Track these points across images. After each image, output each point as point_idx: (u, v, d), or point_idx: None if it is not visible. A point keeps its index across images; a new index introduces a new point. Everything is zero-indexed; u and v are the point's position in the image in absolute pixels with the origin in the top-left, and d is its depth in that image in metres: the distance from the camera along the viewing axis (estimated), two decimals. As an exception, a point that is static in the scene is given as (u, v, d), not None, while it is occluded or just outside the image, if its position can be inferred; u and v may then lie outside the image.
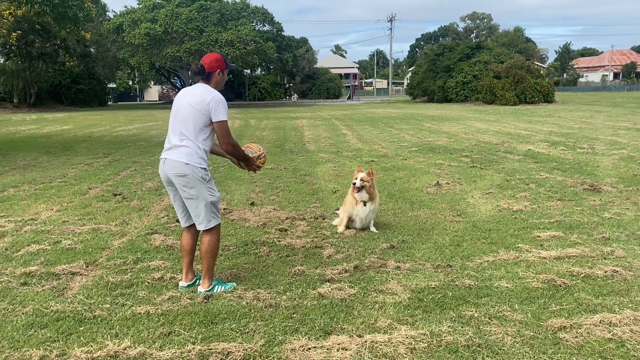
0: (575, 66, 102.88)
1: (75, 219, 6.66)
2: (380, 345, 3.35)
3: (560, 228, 6.01)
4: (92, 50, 50.89)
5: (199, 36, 48.04)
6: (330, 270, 4.73)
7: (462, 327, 3.59)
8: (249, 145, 4.65)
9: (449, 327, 3.59)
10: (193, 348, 3.33)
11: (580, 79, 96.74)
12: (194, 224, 4.30)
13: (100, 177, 9.78)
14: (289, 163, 11.44)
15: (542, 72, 47.74)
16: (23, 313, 3.87)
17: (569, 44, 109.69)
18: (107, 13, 53.08)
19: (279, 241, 5.66)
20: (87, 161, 12.05)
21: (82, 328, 3.63)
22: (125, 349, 3.31)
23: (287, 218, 6.64)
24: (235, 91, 64.23)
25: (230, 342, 3.42)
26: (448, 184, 8.68)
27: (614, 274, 4.53)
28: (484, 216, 6.62)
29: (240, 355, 3.27)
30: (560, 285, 4.30)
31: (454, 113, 30.08)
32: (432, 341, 3.40)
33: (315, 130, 20.08)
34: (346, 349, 3.31)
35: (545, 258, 4.99)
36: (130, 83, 75.86)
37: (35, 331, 3.59)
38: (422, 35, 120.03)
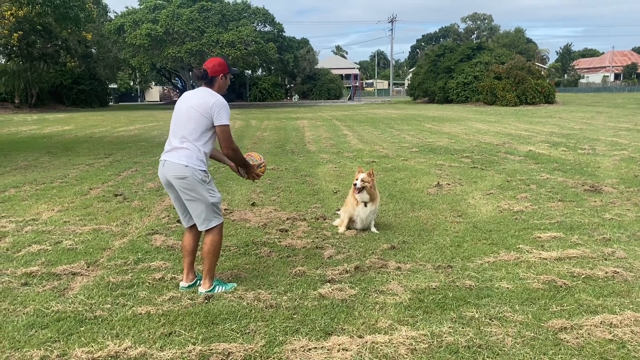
0: (576, 67, 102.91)
1: (76, 219, 6.67)
2: (381, 346, 3.35)
3: (561, 229, 6.01)
4: (93, 50, 50.91)
5: (200, 37, 48.07)
6: (331, 270, 4.73)
7: (462, 328, 3.59)
8: (250, 153, 4.65)
9: (449, 327, 3.59)
10: (194, 348, 3.33)
11: (581, 80, 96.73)
12: (195, 225, 4.30)
13: (101, 178, 9.79)
14: (289, 164, 11.45)
15: (543, 73, 47.69)
16: (24, 313, 3.88)
17: (570, 45, 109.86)
18: (108, 14, 53.16)
19: (279, 242, 5.66)
20: (88, 162, 12.06)
21: (83, 328, 3.63)
22: (125, 349, 3.32)
23: (287, 219, 6.65)
24: (236, 92, 64.25)
25: (230, 342, 3.42)
26: (449, 184, 8.68)
27: (615, 275, 4.53)
28: (485, 217, 6.62)
29: (240, 355, 3.27)
30: (560, 286, 4.30)
31: (454, 114, 30.08)
32: (432, 342, 3.41)
33: (316, 131, 20.08)
34: (347, 350, 3.31)
35: (546, 259, 4.98)
36: (132, 84, 75.93)
37: (36, 331, 3.59)
38: (422, 36, 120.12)
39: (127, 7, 52.62)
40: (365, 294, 4.21)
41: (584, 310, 3.86)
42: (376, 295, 4.18)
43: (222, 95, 4.21)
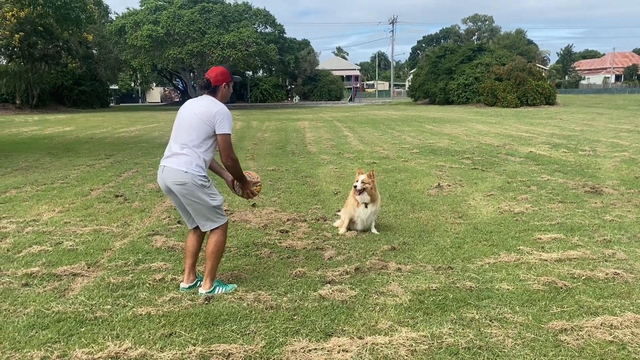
0: (577, 68, 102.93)
1: (76, 220, 6.67)
2: (381, 347, 3.36)
3: (561, 230, 6.01)
4: (94, 51, 50.96)
5: (201, 38, 48.10)
6: (331, 272, 4.73)
7: (463, 329, 3.59)
8: (248, 172, 4.66)
9: (449, 329, 3.59)
10: (194, 349, 3.33)
11: (582, 81, 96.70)
12: (199, 228, 4.32)
13: (102, 179, 9.80)
14: (290, 165, 11.45)
15: (543, 74, 47.66)
16: (24, 314, 3.88)
17: (571, 46, 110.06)
18: (109, 15, 53.18)
19: (280, 243, 5.66)
20: (89, 162, 12.08)
21: (83, 329, 3.64)
22: (126, 350, 3.32)
23: (288, 219, 6.65)
24: (237, 93, 64.24)
25: (231, 343, 3.42)
26: (449, 186, 8.68)
27: (615, 276, 4.53)
28: (485, 218, 6.62)
29: (241, 356, 3.27)
30: (561, 288, 4.30)
31: (455, 115, 30.08)
32: (432, 343, 3.41)
33: (317, 132, 20.09)
34: (347, 351, 3.31)
35: (546, 260, 4.98)
36: (132, 85, 76.01)
37: (36, 332, 3.60)
38: (423, 37, 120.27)
39: (128, 8, 52.66)
40: (365, 295, 4.21)
41: (585, 311, 3.86)
42: (376, 296, 4.18)
43: (224, 102, 4.24)
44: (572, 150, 13.14)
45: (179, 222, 6.48)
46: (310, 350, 3.33)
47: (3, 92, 43.08)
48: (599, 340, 3.43)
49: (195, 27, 47.98)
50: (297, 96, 66.65)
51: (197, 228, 4.37)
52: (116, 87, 69.58)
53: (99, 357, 3.25)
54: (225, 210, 6.99)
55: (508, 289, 4.28)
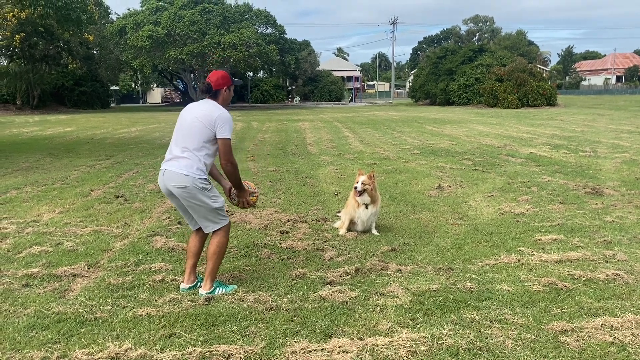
0: (577, 69, 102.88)
1: (77, 220, 6.67)
2: (381, 348, 3.35)
3: (562, 231, 6.01)
4: (95, 52, 51.01)
5: (202, 39, 48.11)
6: (331, 272, 4.73)
7: (463, 330, 3.58)
8: (247, 182, 4.66)
9: (450, 330, 3.59)
10: (194, 350, 3.33)
11: (583, 82, 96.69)
12: (202, 229, 4.33)
13: (102, 179, 9.81)
14: (290, 165, 11.45)
15: (544, 75, 47.70)
16: (24, 314, 3.88)
17: (572, 47, 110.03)
18: (110, 15, 53.24)
19: (280, 244, 5.66)
20: (90, 163, 12.08)
21: (83, 330, 3.64)
22: (126, 351, 3.32)
23: (288, 220, 6.65)
24: (238, 94, 64.20)
25: (231, 344, 3.42)
26: (450, 186, 8.68)
27: (616, 277, 4.53)
28: (486, 219, 6.61)
29: (241, 357, 3.27)
30: (561, 289, 4.29)
31: (456, 116, 30.08)
32: (433, 344, 3.40)
33: (317, 133, 20.09)
34: (347, 352, 3.31)
35: (546, 261, 4.98)
36: (133, 85, 75.99)
37: (36, 333, 3.60)
38: (424, 38, 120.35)
39: (128, 9, 52.74)
40: (365, 296, 4.21)
41: (585, 312, 3.85)
42: (377, 297, 4.18)
43: (225, 105, 4.26)
44: (572, 151, 13.13)
45: (179, 222, 6.48)
46: (310, 351, 3.33)
47: (4, 92, 43.14)
48: (599, 341, 3.42)
49: (195, 27, 47.99)
50: (297, 97, 66.66)
51: (199, 229, 4.38)
52: (117, 87, 69.61)
53: (99, 358, 3.25)
54: (226, 211, 6.98)
55: (508, 290, 4.28)
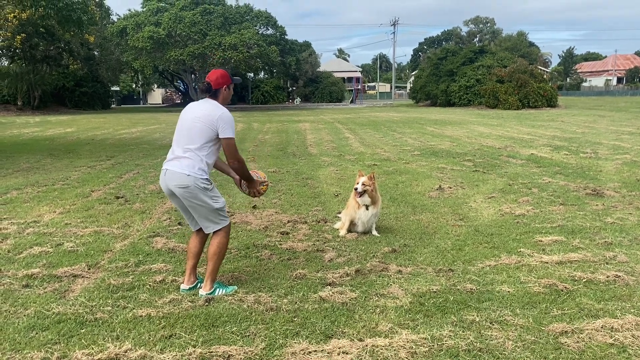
0: (578, 70, 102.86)
1: (77, 221, 6.68)
2: (381, 349, 3.35)
3: (562, 233, 6.00)
4: (95, 53, 51.08)
5: (203, 40, 48.16)
6: (331, 273, 4.73)
7: (463, 332, 3.58)
8: (256, 171, 4.69)
9: (450, 331, 3.59)
10: (194, 351, 3.33)
11: (584, 84, 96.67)
12: (202, 230, 4.33)
13: (102, 180, 9.81)
14: (291, 166, 11.45)
15: (545, 76, 47.69)
16: (25, 315, 3.88)
17: (573, 49, 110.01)
18: (111, 16, 53.27)
19: (280, 244, 5.66)
20: (90, 164, 12.09)
21: (84, 330, 3.64)
22: (126, 352, 3.32)
23: (288, 221, 6.65)
24: (239, 94, 64.28)
25: (231, 345, 3.42)
26: (450, 188, 8.67)
27: (616, 279, 4.52)
28: (486, 220, 6.61)
29: (240, 358, 3.27)
30: (562, 290, 4.29)
31: (456, 117, 30.08)
32: (433, 345, 3.40)
33: (318, 134, 20.10)
34: (347, 353, 3.31)
35: (547, 263, 4.98)
36: (134, 86, 76.09)
37: (36, 333, 3.60)
38: (425, 39, 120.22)
39: (129, 10, 52.88)
40: (365, 297, 4.21)
41: (585, 314, 3.85)
42: (377, 298, 4.18)
43: (225, 104, 4.27)
44: (573, 152, 13.13)
45: (179, 223, 6.48)
46: (310, 352, 3.33)
47: (5, 93, 43.21)
48: (599, 342, 3.42)
49: (196, 28, 48.05)
50: (298, 98, 66.69)
51: (199, 230, 4.38)
52: (117, 88, 69.66)
53: (99, 359, 3.25)
54: (226, 212, 6.99)
55: (509, 292, 4.27)
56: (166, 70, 58.77)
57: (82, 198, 8.14)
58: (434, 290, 4.31)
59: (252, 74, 64.44)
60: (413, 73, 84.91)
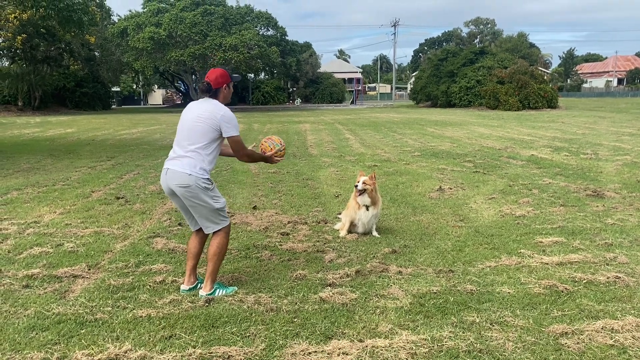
0: (579, 72, 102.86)
1: (77, 221, 6.68)
2: (381, 350, 3.35)
3: (562, 234, 6.00)
4: (96, 53, 51.13)
5: (203, 40, 48.21)
6: (331, 274, 4.73)
7: (463, 333, 3.58)
8: (272, 137, 4.73)
9: (450, 332, 3.58)
10: (194, 351, 3.33)
11: (584, 85, 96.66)
12: (202, 230, 4.34)
13: (103, 180, 9.81)
14: (291, 167, 11.46)
15: (545, 77, 47.71)
16: (25, 315, 3.88)
17: (573, 50, 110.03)
18: (111, 17, 53.37)
19: (280, 245, 5.66)
20: (91, 164, 12.09)
21: (84, 331, 3.64)
22: (126, 352, 3.32)
23: (289, 222, 6.65)
24: (239, 95, 64.38)
25: (231, 345, 3.42)
26: (451, 189, 8.67)
27: (617, 280, 4.52)
28: (487, 221, 6.61)
29: (240, 359, 3.27)
30: (562, 291, 4.29)
31: (457, 118, 30.08)
32: (433, 346, 3.40)
33: (318, 135, 20.10)
34: (347, 354, 3.30)
35: (547, 264, 4.97)
36: (134, 87, 76.14)
37: (36, 334, 3.60)
38: (425, 40, 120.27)
39: (130, 11, 52.87)
40: (366, 298, 4.21)
41: (585, 315, 3.85)
42: (377, 299, 4.18)
43: (225, 103, 4.28)
44: (573, 153, 13.12)
45: (179, 224, 6.48)
46: (310, 353, 3.32)
47: (5, 93, 43.23)
48: (599, 344, 3.42)
49: (197, 29, 48.11)
50: (298, 99, 66.74)
51: (199, 230, 4.38)
52: (118, 89, 69.72)
53: (98, 359, 3.25)
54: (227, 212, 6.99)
55: (509, 293, 4.27)
56: (167, 71, 58.84)
57: (82, 198, 8.14)
58: (434, 291, 4.31)
59: (252, 75, 64.56)
60: (413, 74, 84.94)
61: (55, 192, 8.61)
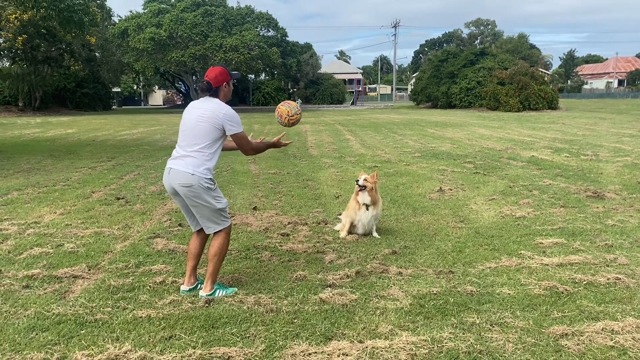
0: (579, 73, 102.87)
1: (78, 222, 6.68)
2: (381, 351, 3.35)
3: (563, 235, 6.00)
4: (97, 54, 51.17)
5: (204, 41, 48.23)
6: (331, 275, 4.73)
7: (463, 334, 3.58)
8: (289, 101, 4.77)
9: (450, 333, 3.58)
10: (194, 352, 3.33)
11: (585, 86, 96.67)
12: (203, 230, 4.34)
13: (103, 181, 9.81)
14: (292, 168, 11.46)
15: (546, 78, 47.72)
16: (25, 316, 3.88)
17: (574, 51, 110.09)
18: (112, 18, 53.42)
19: (280, 246, 5.66)
20: (91, 165, 12.09)
21: (83, 331, 3.64)
22: (126, 353, 3.32)
23: (289, 223, 6.65)
24: (239, 96, 64.37)
25: (231, 346, 3.42)
26: (451, 190, 8.67)
27: (617, 281, 4.52)
28: (487, 222, 6.61)
29: (241, 359, 3.26)
30: (562, 292, 4.28)
31: (457, 119, 30.08)
32: (433, 347, 3.40)
33: (319, 136, 20.11)
34: (347, 355, 3.30)
35: (547, 265, 4.97)
36: (135, 87, 76.17)
37: (36, 334, 3.60)
38: (426, 41, 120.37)
39: (131, 11, 52.94)
40: (366, 299, 4.21)
41: (586, 316, 3.84)
42: (377, 300, 4.18)
43: (226, 101, 4.29)
44: (574, 154, 13.12)
45: (180, 224, 6.48)
46: (310, 354, 3.32)
47: (6, 94, 43.29)
48: (599, 345, 3.42)
49: (197, 30, 48.13)
50: (299, 99, 66.69)
51: (200, 231, 4.39)
52: (118, 89, 69.75)
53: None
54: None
55: (509, 294, 4.27)
56: (167, 71, 58.86)
57: (82, 199, 8.14)
58: (434, 292, 4.31)
59: (253, 76, 64.53)
60: (414, 75, 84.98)
61: (55, 193, 8.61)
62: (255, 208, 7.49)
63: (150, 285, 4.49)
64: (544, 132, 20.36)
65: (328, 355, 3.31)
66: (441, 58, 51.81)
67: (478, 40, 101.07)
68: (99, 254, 5.38)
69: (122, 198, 8.17)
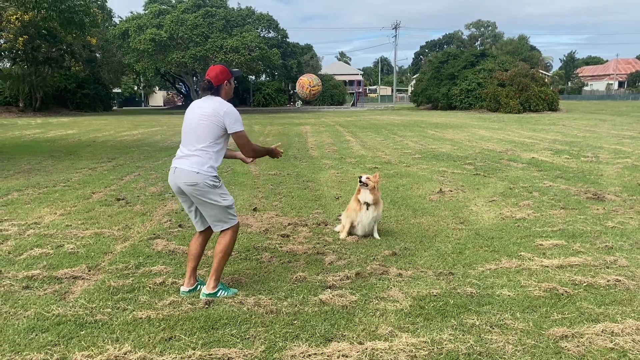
0: (580, 75, 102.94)
1: (78, 223, 6.68)
2: (381, 352, 3.35)
3: (563, 236, 6.00)
4: (97, 55, 51.21)
5: (204, 42, 48.23)
6: (331, 276, 4.72)
7: (463, 335, 3.58)
8: (309, 74, 4.80)
9: (450, 335, 3.58)
10: (193, 353, 3.33)
11: (585, 88, 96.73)
12: (206, 231, 4.36)
13: (103, 182, 9.82)
14: (292, 169, 11.46)
15: (546, 80, 47.70)
16: (25, 316, 3.88)
17: (574, 53, 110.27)
18: (113, 18, 53.41)
19: (280, 247, 5.66)
20: (91, 166, 12.10)
21: (83, 332, 3.64)
22: (125, 354, 3.32)
23: (289, 224, 6.65)
24: (240, 97, 64.40)
25: (230, 347, 3.42)
26: (451, 191, 8.67)
27: (617, 283, 4.52)
28: (487, 224, 6.61)
29: (240, 361, 3.26)
30: (562, 294, 4.28)
31: (457, 120, 30.08)
32: (433, 349, 3.40)
33: (319, 137, 20.11)
34: (346, 356, 3.30)
35: (547, 266, 4.97)
36: (135, 88, 76.22)
37: (36, 335, 3.60)
38: (426, 42, 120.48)
39: (131, 12, 52.89)
40: (365, 300, 4.21)
41: (585, 318, 3.84)
42: (377, 301, 4.18)
43: (228, 99, 4.29)
44: (574, 156, 13.12)
45: (180, 225, 6.48)
46: (310, 355, 3.32)
47: (7, 95, 43.32)
48: (599, 347, 3.42)
49: (198, 31, 48.13)
50: (299, 101, 66.73)
51: (202, 232, 4.39)
52: (119, 90, 69.79)
53: (98, 361, 3.25)
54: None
55: (509, 295, 4.27)
56: (168, 72, 58.85)
57: (82, 200, 8.14)
58: (434, 293, 4.31)
59: (253, 77, 64.56)
60: (414, 76, 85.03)
61: (55, 194, 8.62)
62: (255, 209, 7.49)
63: (150, 286, 4.49)
64: (544, 133, 20.36)
65: (328, 356, 3.31)
66: (441, 59, 51.82)
67: (478, 42, 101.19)
68: (99, 254, 5.38)
69: (123, 199, 8.17)
